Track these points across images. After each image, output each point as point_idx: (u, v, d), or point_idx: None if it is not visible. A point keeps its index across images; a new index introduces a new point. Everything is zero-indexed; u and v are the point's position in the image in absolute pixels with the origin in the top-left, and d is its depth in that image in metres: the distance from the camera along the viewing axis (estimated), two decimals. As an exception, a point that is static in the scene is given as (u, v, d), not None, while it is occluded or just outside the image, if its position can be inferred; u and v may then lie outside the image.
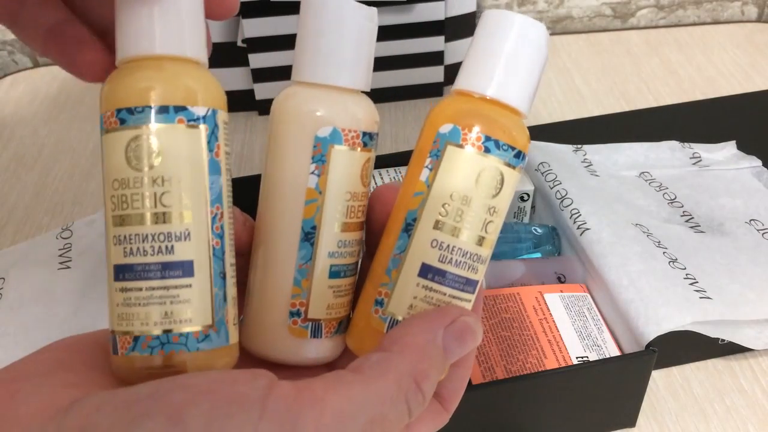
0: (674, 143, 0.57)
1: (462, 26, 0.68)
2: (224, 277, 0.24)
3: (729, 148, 0.57)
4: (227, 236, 0.24)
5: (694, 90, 0.72)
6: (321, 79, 0.26)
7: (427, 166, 0.25)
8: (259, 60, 0.65)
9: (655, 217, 0.50)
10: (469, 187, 0.25)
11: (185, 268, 0.23)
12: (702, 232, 0.50)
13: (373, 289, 0.26)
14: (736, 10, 0.85)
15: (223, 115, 0.24)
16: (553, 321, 0.43)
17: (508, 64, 0.25)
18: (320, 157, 0.26)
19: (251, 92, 0.69)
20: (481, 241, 0.25)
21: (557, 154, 0.55)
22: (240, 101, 0.69)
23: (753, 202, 0.52)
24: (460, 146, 0.25)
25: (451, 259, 0.25)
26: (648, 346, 0.40)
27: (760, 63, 0.76)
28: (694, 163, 0.56)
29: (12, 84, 0.77)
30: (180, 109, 0.23)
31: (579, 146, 0.56)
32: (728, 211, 0.51)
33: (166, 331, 0.23)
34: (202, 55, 0.25)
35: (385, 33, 0.66)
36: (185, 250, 0.23)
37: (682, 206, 0.52)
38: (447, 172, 0.25)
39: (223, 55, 0.66)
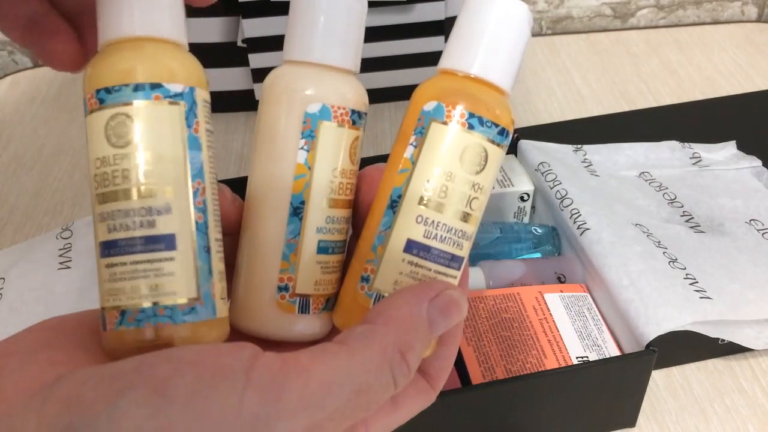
0: (674, 143, 0.57)
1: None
2: (209, 251, 0.24)
3: (729, 148, 0.57)
4: (211, 212, 0.25)
5: (694, 90, 0.72)
6: (311, 57, 0.26)
7: (411, 144, 0.26)
8: (259, 60, 0.65)
9: (655, 217, 0.50)
10: (453, 163, 0.25)
11: (167, 242, 0.23)
12: (702, 232, 0.50)
13: (359, 266, 0.26)
14: (736, 10, 0.85)
15: (202, 94, 0.25)
16: (553, 321, 0.43)
17: (492, 43, 0.26)
18: (309, 133, 0.26)
19: (251, 92, 0.69)
20: (465, 217, 0.26)
21: (557, 154, 0.55)
22: (240, 101, 0.69)
23: (753, 202, 0.52)
24: (444, 123, 0.25)
25: (436, 234, 0.25)
26: (648, 346, 0.40)
27: (760, 63, 0.76)
28: (694, 163, 0.56)
29: (12, 84, 0.77)
30: (156, 86, 0.23)
31: (579, 146, 0.56)
32: (728, 211, 0.51)
33: (153, 304, 0.23)
34: (181, 36, 0.25)
35: (385, 33, 0.66)
36: (167, 223, 0.23)
37: (682, 206, 0.52)
38: (431, 148, 0.25)
39: (223, 55, 0.66)
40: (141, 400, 0.19)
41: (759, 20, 0.86)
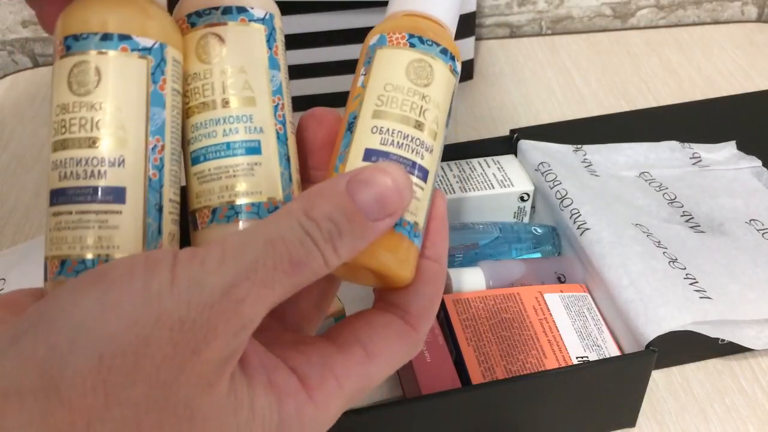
0: (674, 143, 0.57)
1: (462, 26, 0.68)
2: (161, 210, 0.24)
3: (729, 148, 0.57)
4: (168, 171, 0.24)
5: (694, 90, 0.72)
6: None
7: (361, 74, 0.27)
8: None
9: (655, 217, 0.50)
10: (398, 76, 0.26)
11: (116, 194, 0.23)
12: (702, 232, 0.50)
13: None
14: (736, 10, 0.85)
15: (173, 52, 0.24)
16: (553, 321, 0.43)
17: None
18: None
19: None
20: (420, 126, 0.26)
21: (557, 154, 0.55)
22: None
23: (753, 202, 0.52)
24: (387, 47, 0.27)
25: (393, 141, 0.26)
26: (648, 346, 0.40)
27: (760, 63, 0.76)
28: (694, 164, 0.56)
29: (12, 84, 0.77)
30: (124, 37, 0.23)
31: (579, 146, 0.56)
32: (728, 211, 0.51)
33: (95, 256, 0.23)
34: None
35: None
36: (118, 176, 0.23)
37: (682, 206, 0.52)
38: (378, 69, 0.27)
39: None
40: (84, 289, 0.20)
41: (759, 20, 0.86)
